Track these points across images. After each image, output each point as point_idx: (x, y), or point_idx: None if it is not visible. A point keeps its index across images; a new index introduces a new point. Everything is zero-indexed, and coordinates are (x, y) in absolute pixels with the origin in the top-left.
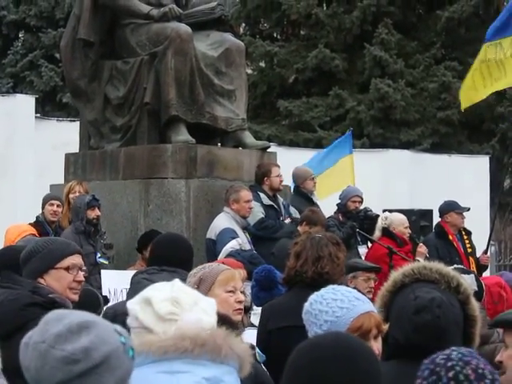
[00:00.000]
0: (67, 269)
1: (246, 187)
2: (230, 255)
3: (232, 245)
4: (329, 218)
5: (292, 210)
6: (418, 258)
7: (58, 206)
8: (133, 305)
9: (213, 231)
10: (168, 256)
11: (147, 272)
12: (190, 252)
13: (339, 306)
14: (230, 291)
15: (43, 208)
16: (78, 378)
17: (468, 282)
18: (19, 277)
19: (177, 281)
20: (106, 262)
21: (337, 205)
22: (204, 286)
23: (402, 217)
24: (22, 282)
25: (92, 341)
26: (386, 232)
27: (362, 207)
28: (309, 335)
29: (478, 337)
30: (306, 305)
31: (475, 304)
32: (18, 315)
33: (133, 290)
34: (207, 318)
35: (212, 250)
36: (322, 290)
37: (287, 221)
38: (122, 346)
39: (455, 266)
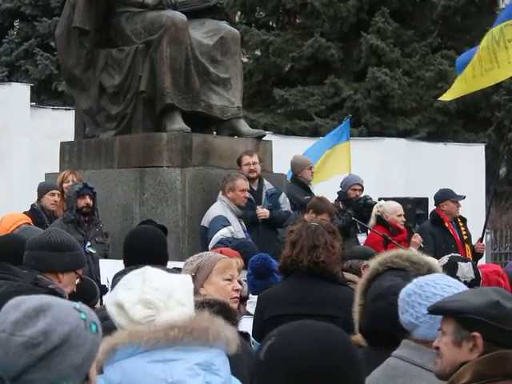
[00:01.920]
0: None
1: (242, 176)
2: (220, 243)
3: (223, 232)
4: None
5: (282, 198)
6: (411, 248)
7: (58, 195)
8: (109, 306)
9: (206, 219)
10: (140, 251)
11: (125, 272)
12: (163, 244)
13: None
14: (227, 279)
15: (42, 197)
16: (42, 360)
17: (465, 270)
18: (16, 268)
19: (147, 272)
20: (95, 252)
21: (337, 192)
22: (201, 274)
23: (396, 205)
24: (20, 274)
25: (49, 323)
26: (380, 220)
27: (362, 195)
28: (403, 323)
29: None
30: (404, 294)
31: None
32: None
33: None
34: (181, 309)
35: (204, 238)
36: (422, 281)
37: (261, 209)
38: (82, 323)
39: (452, 254)
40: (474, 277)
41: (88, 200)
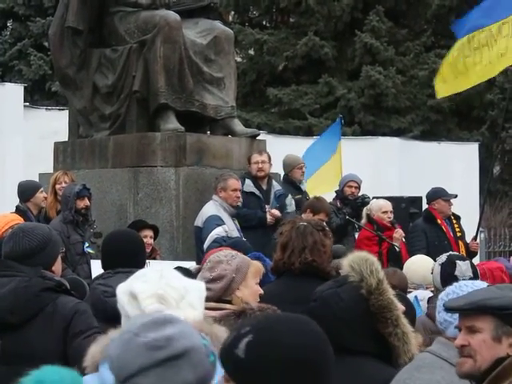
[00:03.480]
0: None
1: (234, 176)
2: (215, 242)
3: (217, 231)
4: None
5: (288, 200)
6: (394, 243)
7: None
8: (121, 294)
9: (200, 219)
10: (119, 255)
11: (102, 277)
12: (141, 247)
13: None
14: (257, 283)
15: (32, 196)
16: (158, 365)
17: (463, 268)
18: (18, 264)
19: (165, 271)
20: (93, 252)
21: (335, 191)
22: (239, 276)
23: (382, 202)
24: (24, 269)
25: (175, 332)
26: (369, 218)
27: (360, 194)
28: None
29: (397, 335)
30: (443, 295)
31: (375, 302)
32: (35, 301)
33: (91, 297)
34: (191, 312)
35: (199, 237)
36: (462, 283)
37: (271, 210)
38: (204, 347)
39: (450, 252)
40: (472, 275)
41: (87, 202)
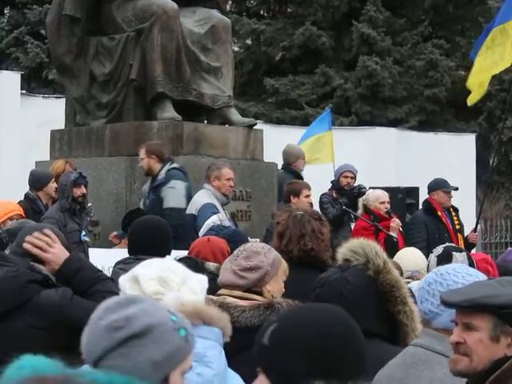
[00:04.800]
0: None
1: (228, 165)
2: (211, 230)
3: (213, 219)
4: (323, 194)
5: (166, 191)
6: (390, 233)
7: None
8: (123, 281)
9: (193, 206)
10: (144, 242)
11: (124, 262)
12: (167, 236)
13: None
14: (284, 282)
15: (45, 185)
16: (121, 345)
17: (460, 259)
18: (9, 255)
19: (168, 259)
20: (89, 240)
21: (331, 182)
22: (273, 270)
23: (378, 192)
24: (14, 260)
25: (136, 311)
26: (365, 209)
27: (356, 184)
28: (422, 313)
29: (406, 313)
30: (423, 283)
31: (384, 280)
32: (20, 292)
33: None
34: (192, 296)
35: (192, 225)
36: (442, 269)
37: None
38: (171, 323)
39: (447, 244)
40: None
41: (84, 189)
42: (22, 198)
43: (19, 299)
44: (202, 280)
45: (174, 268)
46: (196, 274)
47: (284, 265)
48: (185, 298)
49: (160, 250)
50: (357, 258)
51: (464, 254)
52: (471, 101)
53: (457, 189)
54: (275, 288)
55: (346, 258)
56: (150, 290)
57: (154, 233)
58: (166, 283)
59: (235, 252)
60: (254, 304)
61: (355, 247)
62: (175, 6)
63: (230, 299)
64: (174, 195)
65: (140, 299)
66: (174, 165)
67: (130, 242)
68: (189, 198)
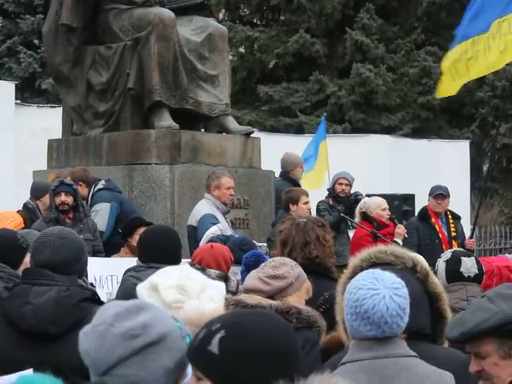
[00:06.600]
0: None
1: (227, 174)
2: (211, 241)
3: (213, 230)
4: (320, 202)
5: (100, 205)
6: (396, 239)
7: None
8: (141, 289)
9: (194, 217)
10: (155, 250)
11: (135, 270)
12: (178, 245)
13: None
14: (305, 300)
15: (43, 196)
16: (137, 353)
17: (468, 264)
18: (50, 272)
19: (186, 266)
20: None
21: (327, 189)
22: (297, 284)
23: (379, 199)
24: (61, 278)
25: (150, 319)
26: (365, 216)
27: (352, 191)
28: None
29: (449, 311)
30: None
31: (435, 281)
32: (76, 311)
33: (122, 288)
34: (212, 304)
35: (193, 237)
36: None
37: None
38: (178, 330)
39: (455, 249)
40: (477, 272)
41: (63, 197)
42: (21, 208)
43: (77, 318)
44: (220, 287)
45: (192, 276)
46: (214, 281)
47: (308, 283)
48: (206, 307)
49: (171, 258)
50: (402, 261)
51: (473, 258)
52: (440, 94)
53: (443, 194)
54: (296, 302)
55: (388, 262)
56: (170, 298)
57: (165, 240)
58: (185, 291)
59: (263, 263)
60: (272, 308)
61: (395, 251)
62: (172, 14)
63: (255, 297)
64: (98, 218)
65: (147, 305)
66: (99, 185)
67: (141, 249)
68: (122, 213)
